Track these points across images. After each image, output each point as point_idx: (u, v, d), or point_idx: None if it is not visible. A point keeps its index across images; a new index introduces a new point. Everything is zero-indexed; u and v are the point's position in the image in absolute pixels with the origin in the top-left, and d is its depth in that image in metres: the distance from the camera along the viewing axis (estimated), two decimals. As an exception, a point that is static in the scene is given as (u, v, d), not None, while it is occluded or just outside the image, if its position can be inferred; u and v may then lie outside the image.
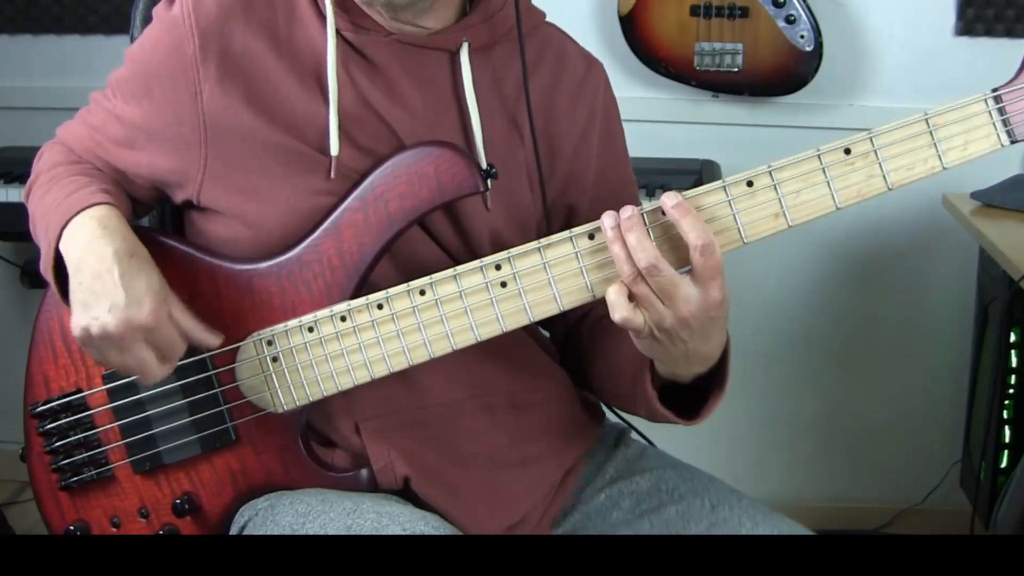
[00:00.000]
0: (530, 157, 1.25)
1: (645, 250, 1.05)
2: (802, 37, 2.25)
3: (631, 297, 1.07)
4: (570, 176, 1.29)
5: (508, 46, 1.25)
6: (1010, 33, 2.34)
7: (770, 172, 1.07)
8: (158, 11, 1.24)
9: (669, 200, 1.06)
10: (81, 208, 1.17)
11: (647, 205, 1.09)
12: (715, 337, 1.11)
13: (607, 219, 1.07)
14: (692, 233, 1.04)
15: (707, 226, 1.05)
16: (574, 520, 1.30)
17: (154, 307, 1.13)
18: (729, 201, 1.07)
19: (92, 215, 1.17)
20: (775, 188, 1.07)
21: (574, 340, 1.35)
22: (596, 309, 1.30)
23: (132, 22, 1.46)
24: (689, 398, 1.19)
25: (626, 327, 1.08)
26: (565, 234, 1.11)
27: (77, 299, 1.15)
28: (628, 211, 1.07)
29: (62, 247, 1.17)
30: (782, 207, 1.07)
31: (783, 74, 2.30)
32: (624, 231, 1.06)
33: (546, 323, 1.38)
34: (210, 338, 1.18)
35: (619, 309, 1.07)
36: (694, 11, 2.28)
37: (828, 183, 1.07)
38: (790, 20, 2.25)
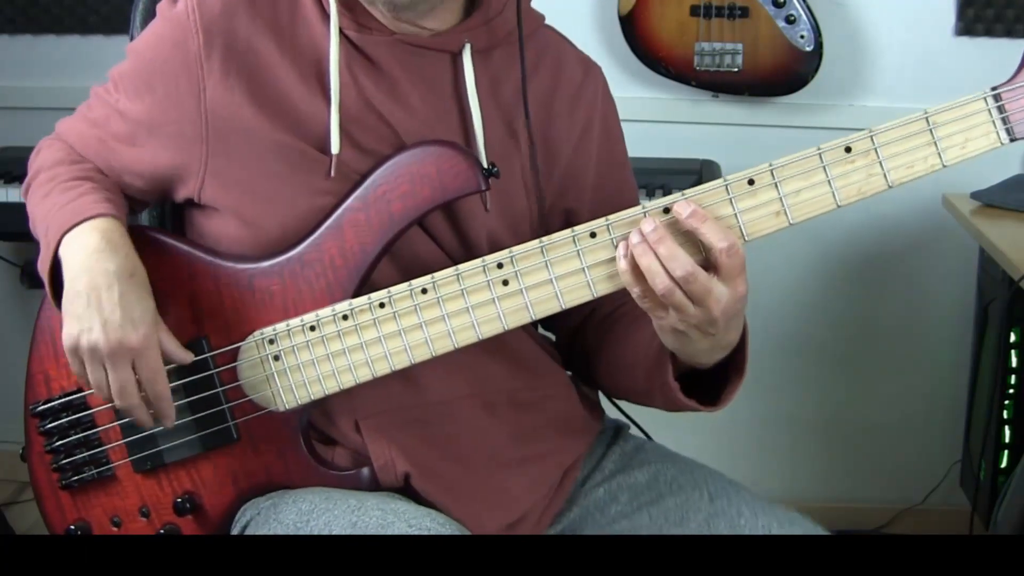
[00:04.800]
0: (526, 161, 1.25)
1: (679, 259, 1.05)
2: (802, 37, 2.25)
3: (664, 305, 1.07)
4: (567, 180, 1.29)
5: (507, 50, 1.25)
6: (1010, 33, 2.34)
7: (771, 171, 1.08)
8: (162, 7, 1.24)
9: (683, 209, 1.06)
10: (85, 217, 1.18)
11: (648, 205, 1.09)
12: (737, 326, 1.12)
13: (634, 236, 1.07)
14: (715, 236, 1.05)
15: (727, 228, 1.06)
16: (573, 516, 1.30)
17: (147, 332, 1.16)
18: (731, 200, 1.08)
19: (96, 226, 1.17)
20: (776, 187, 1.08)
21: (579, 341, 1.35)
22: (600, 308, 1.31)
23: (132, 22, 1.46)
24: (706, 385, 1.19)
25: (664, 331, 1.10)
26: (567, 233, 1.11)
27: (70, 309, 1.16)
28: (650, 224, 1.06)
29: (62, 252, 1.18)
30: (783, 205, 1.08)
31: (783, 74, 2.30)
32: (654, 244, 1.06)
33: (550, 326, 1.38)
34: (186, 357, 1.20)
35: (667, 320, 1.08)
36: (694, 11, 2.28)
37: (829, 181, 1.07)
38: (790, 20, 2.24)
